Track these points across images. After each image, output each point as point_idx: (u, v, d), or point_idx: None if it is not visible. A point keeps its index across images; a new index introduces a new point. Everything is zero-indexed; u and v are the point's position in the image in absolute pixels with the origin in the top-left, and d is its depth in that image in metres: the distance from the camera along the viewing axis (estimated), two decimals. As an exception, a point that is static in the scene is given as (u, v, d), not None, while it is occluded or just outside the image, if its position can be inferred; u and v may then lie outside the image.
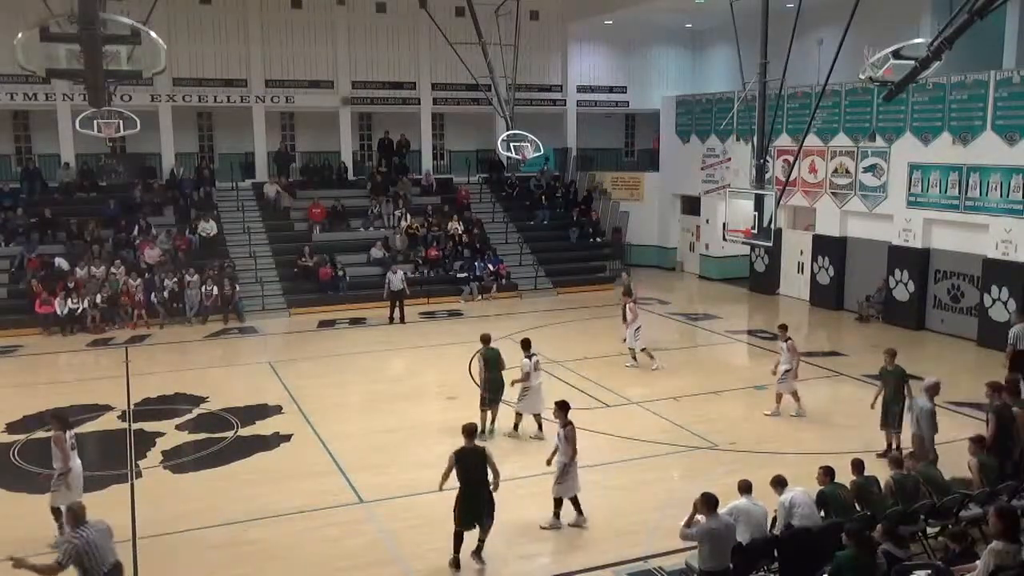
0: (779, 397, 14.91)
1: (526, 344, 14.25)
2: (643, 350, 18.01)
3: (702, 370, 18.29)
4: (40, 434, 14.24)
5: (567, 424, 10.90)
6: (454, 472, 9.77)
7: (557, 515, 10.80)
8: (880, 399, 13.02)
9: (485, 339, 14.46)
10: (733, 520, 8.57)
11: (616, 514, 11.13)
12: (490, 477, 9.81)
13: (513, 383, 13.99)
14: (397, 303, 22.70)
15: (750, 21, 18.47)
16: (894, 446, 12.64)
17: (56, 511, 10.26)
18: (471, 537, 9.77)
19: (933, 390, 11.93)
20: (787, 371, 14.78)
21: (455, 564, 9.69)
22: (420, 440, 13.98)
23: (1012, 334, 15.36)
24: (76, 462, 10.56)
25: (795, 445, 13.20)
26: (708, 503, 8.18)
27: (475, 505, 9.70)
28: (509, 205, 30.13)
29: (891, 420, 12.76)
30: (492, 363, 14.17)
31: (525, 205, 30.22)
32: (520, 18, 24.17)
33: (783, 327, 15.36)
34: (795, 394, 14.90)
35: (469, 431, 10.09)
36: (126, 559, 9.84)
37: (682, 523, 8.38)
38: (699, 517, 8.22)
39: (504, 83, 24.43)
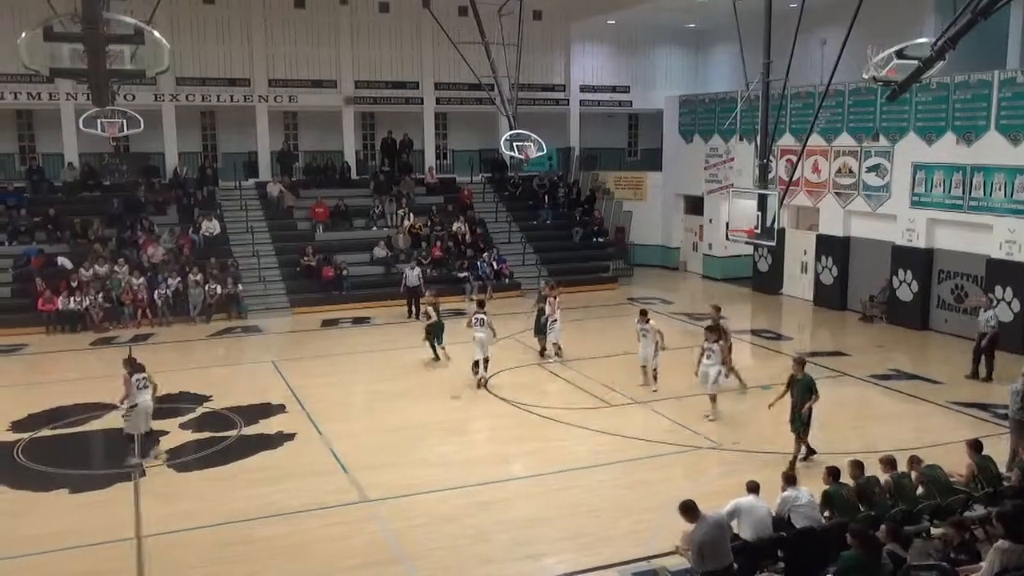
0: (713, 398, 14.80)
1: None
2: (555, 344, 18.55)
3: (705, 370, 18.25)
4: (45, 432, 14.29)
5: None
6: None
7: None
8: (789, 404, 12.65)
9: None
10: (732, 517, 8.57)
11: (621, 514, 11.12)
12: None
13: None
14: (413, 299, 22.88)
15: (753, 21, 18.45)
16: (800, 455, 12.45)
17: (129, 437, 12.70)
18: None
19: None
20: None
21: None
22: (424, 439, 14.00)
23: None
24: (143, 399, 12.55)
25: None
26: (686, 510, 8.14)
27: None
28: (512, 205, 30.13)
29: (797, 428, 12.46)
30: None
31: (528, 204, 30.22)
32: (523, 17, 24.13)
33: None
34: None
35: None
36: (130, 557, 9.93)
37: (682, 544, 8.33)
38: (685, 536, 8.19)
39: (507, 82, 24.42)
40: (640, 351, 16.40)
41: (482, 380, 16.69)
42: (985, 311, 17.33)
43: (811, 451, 12.62)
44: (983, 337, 17.01)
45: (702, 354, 14.91)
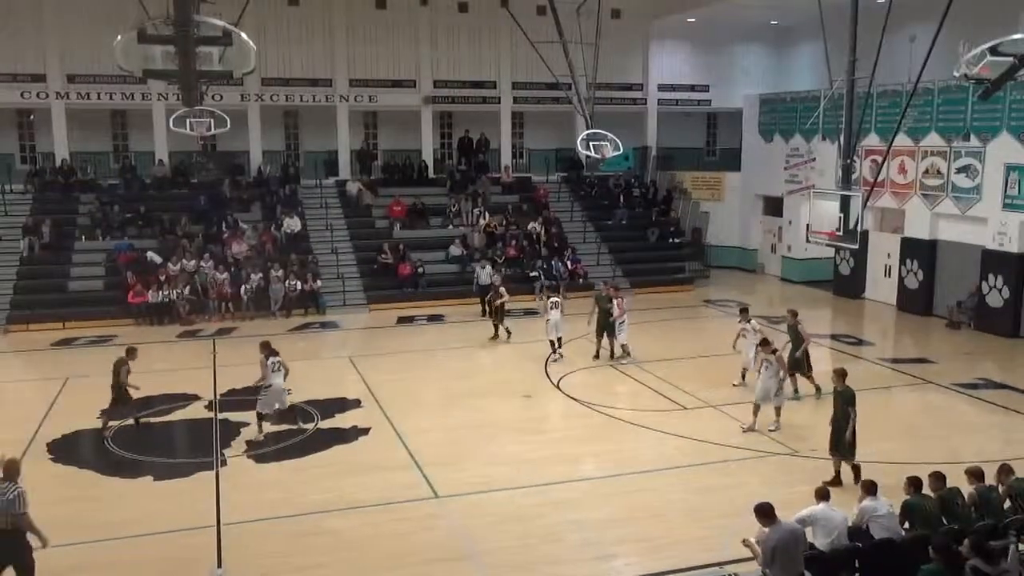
0: (756, 409, 14.06)
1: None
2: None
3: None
4: (132, 421, 14.83)
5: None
6: None
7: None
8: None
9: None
10: (805, 526, 8.40)
11: (693, 518, 11.01)
12: None
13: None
14: (485, 297, 23.04)
15: (838, 17, 18.01)
16: (838, 473, 11.79)
17: (259, 416, 13.72)
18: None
19: None
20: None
21: None
22: (495, 437, 14.09)
23: None
24: (276, 381, 13.54)
25: (878, 454, 12.80)
26: (763, 513, 8.03)
27: None
28: (587, 204, 30.04)
29: (840, 446, 11.80)
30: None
31: (603, 204, 30.08)
32: (601, 16, 24.04)
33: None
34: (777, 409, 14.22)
35: None
36: (210, 544, 10.23)
37: (753, 540, 8.20)
38: (759, 535, 8.06)
39: (584, 82, 24.36)
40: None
41: (558, 356, 18.21)
42: None
43: (857, 472, 11.62)
44: None
45: (759, 366, 14.33)
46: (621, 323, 18.21)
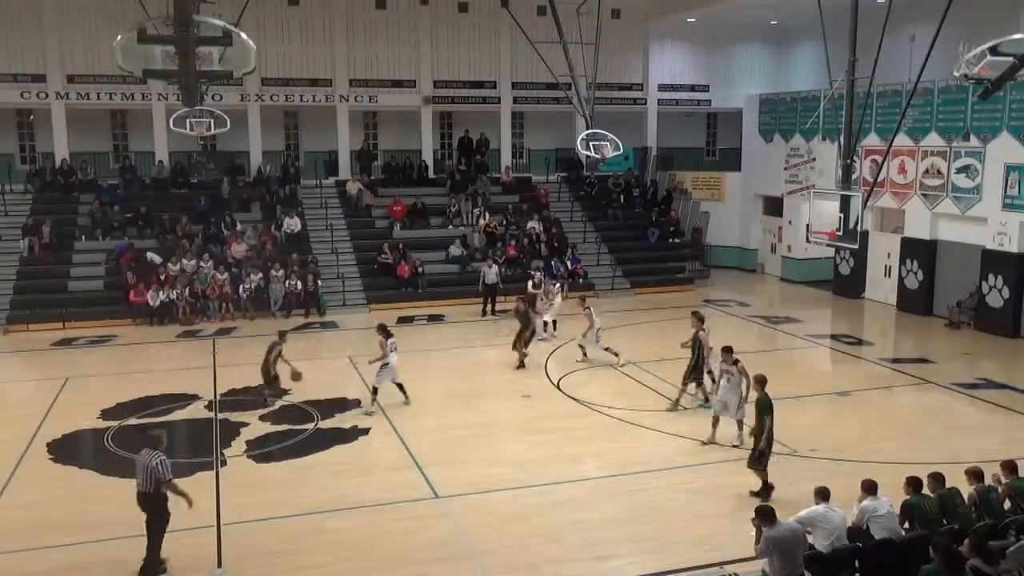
0: (715, 421, 13.40)
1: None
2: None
3: (782, 375, 17.80)
4: (132, 421, 14.84)
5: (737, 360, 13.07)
6: None
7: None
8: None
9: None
10: (804, 527, 8.40)
11: (693, 518, 11.01)
12: None
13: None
14: (490, 297, 23.08)
15: (838, 16, 18.01)
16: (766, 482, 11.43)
17: (374, 389, 15.23)
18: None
19: None
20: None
21: None
22: (496, 437, 14.12)
23: None
24: (393, 359, 15.06)
25: (879, 454, 12.83)
26: (763, 515, 8.06)
27: None
28: (587, 204, 30.04)
29: (752, 454, 11.53)
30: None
31: (603, 204, 30.08)
32: (601, 16, 24.05)
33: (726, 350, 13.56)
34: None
35: None
36: (210, 544, 10.24)
37: (754, 540, 8.24)
38: (763, 530, 8.08)
39: (584, 82, 24.36)
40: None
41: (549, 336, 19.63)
42: None
43: (768, 487, 11.38)
44: None
45: (720, 376, 13.54)
46: (599, 330, 18.04)
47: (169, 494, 9.59)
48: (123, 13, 22.62)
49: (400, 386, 15.49)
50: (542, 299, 20.45)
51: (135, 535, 10.28)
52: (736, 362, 13.16)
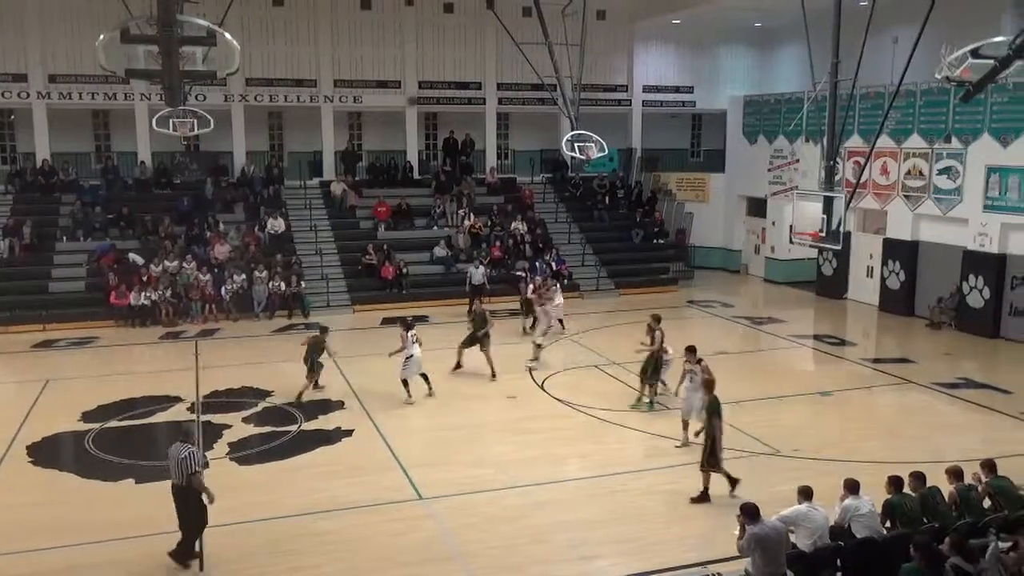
0: (684, 424, 13.39)
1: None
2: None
3: (765, 375, 18.02)
4: (114, 423, 14.74)
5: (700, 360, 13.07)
6: None
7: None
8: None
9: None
10: (787, 526, 8.44)
11: (676, 518, 11.05)
12: None
13: None
14: (477, 297, 23.04)
15: (822, 19, 18.13)
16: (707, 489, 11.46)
17: (404, 382, 15.62)
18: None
19: None
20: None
21: None
22: (480, 438, 14.12)
23: None
24: (416, 351, 15.48)
25: (860, 453, 12.91)
26: (747, 512, 8.10)
27: None
28: (572, 205, 30.08)
29: (703, 456, 11.52)
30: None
31: (588, 205, 30.13)
32: (586, 18, 24.08)
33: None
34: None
35: None
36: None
37: (736, 536, 8.28)
38: (746, 527, 8.12)
39: (569, 83, 24.38)
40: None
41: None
42: None
43: (732, 481, 11.48)
44: None
45: (683, 376, 13.63)
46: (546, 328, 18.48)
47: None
48: (105, 13, 22.46)
49: (425, 377, 15.93)
50: (537, 299, 20.45)
51: (117, 538, 10.25)
52: (700, 361, 13.21)
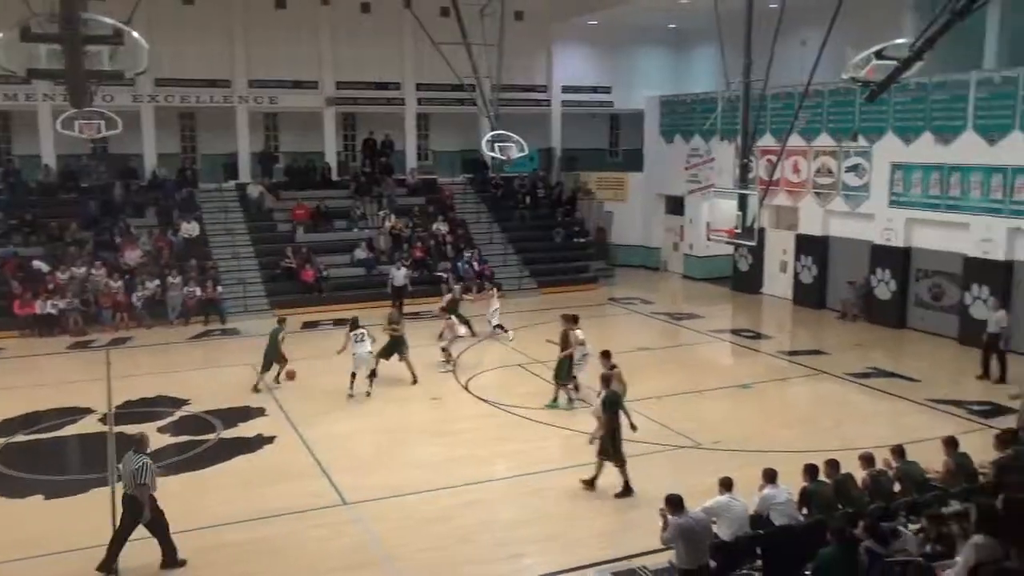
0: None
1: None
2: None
3: (685, 369, 18.32)
4: (20, 437, 14.13)
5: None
6: None
7: None
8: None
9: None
10: (710, 516, 8.61)
11: (599, 513, 11.16)
12: None
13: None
14: (399, 299, 22.89)
15: (734, 21, 18.53)
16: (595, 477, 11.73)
17: (354, 375, 16.15)
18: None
19: None
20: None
21: None
22: (405, 441, 14.02)
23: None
24: (359, 349, 16.06)
25: (778, 444, 13.24)
26: (672, 503, 8.23)
27: None
28: (493, 205, 30.11)
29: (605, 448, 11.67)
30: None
31: (509, 205, 30.21)
32: (504, 18, 24.12)
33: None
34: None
35: None
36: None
37: (660, 528, 8.39)
38: (669, 518, 8.24)
39: (488, 83, 24.39)
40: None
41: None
42: (995, 311, 17.38)
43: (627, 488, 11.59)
44: (995, 338, 16.91)
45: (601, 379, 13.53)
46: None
47: (153, 494, 9.68)
48: (4, 8, 21.49)
49: (372, 375, 16.34)
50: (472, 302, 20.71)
51: (28, 556, 9.85)
52: (614, 367, 13.19)
